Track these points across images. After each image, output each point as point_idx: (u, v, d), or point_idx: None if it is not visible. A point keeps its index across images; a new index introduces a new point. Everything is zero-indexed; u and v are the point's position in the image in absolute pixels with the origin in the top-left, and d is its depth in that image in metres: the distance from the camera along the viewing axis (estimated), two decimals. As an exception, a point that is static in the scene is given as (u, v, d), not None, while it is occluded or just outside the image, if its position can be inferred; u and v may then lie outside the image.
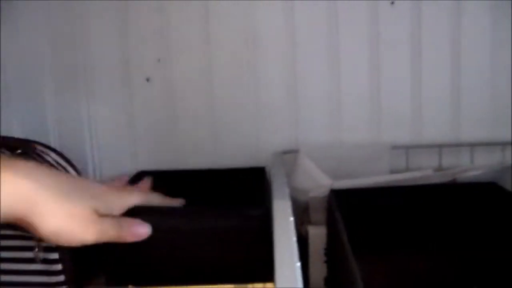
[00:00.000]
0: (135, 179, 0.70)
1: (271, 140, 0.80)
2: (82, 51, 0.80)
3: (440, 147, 0.79)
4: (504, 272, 0.55)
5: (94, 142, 0.82)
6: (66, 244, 0.45)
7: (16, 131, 0.80)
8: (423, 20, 0.78)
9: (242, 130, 0.80)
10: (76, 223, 0.44)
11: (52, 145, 0.71)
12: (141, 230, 0.49)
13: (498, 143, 0.78)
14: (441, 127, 0.80)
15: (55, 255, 0.56)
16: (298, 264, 0.41)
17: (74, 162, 0.65)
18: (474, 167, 0.75)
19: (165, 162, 0.80)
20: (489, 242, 0.62)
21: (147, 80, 0.80)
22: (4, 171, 0.39)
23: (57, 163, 0.64)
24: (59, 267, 0.57)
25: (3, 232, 0.57)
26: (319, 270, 0.66)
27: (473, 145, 0.79)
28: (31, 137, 0.67)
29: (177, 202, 0.63)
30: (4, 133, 0.72)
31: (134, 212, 0.54)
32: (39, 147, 0.65)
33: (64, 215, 0.43)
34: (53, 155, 0.65)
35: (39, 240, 0.55)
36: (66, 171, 0.63)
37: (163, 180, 0.69)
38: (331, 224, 0.64)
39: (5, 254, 0.57)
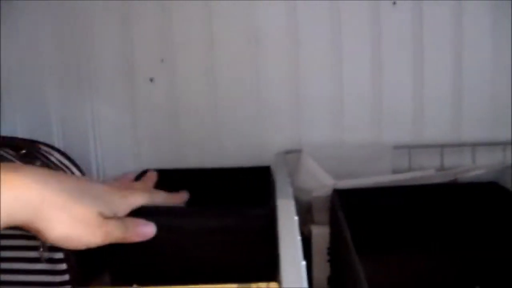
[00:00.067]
0: (140, 177, 0.70)
1: (273, 140, 0.80)
2: (86, 51, 0.80)
3: (441, 147, 0.79)
4: (506, 272, 0.55)
5: (97, 142, 0.82)
6: (73, 248, 0.45)
7: (20, 132, 0.80)
8: (425, 20, 0.78)
9: (244, 130, 0.80)
10: (82, 228, 0.44)
11: (56, 145, 0.72)
12: (147, 230, 0.50)
13: (500, 143, 0.78)
14: (442, 127, 0.80)
15: (60, 255, 0.57)
16: (304, 263, 0.41)
17: (78, 162, 0.66)
18: (476, 167, 0.75)
19: (168, 162, 0.80)
20: (490, 242, 0.62)
21: (151, 80, 0.80)
22: (12, 177, 0.39)
23: (61, 163, 0.65)
24: (63, 266, 0.57)
25: (8, 231, 0.57)
26: (322, 270, 0.67)
27: (474, 145, 0.79)
28: (35, 137, 0.67)
29: (180, 198, 0.63)
30: (8, 134, 0.72)
31: (139, 213, 0.54)
32: (43, 147, 0.65)
33: (71, 220, 0.43)
34: (57, 155, 0.65)
35: (44, 241, 0.56)
36: (70, 171, 0.64)
37: (167, 179, 0.70)
38: (334, 224, 0.64)
39: (9, 254, 0.58)
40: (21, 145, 0.62)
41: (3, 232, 0.58)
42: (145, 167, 0.75)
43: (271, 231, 0.55)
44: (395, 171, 0.78)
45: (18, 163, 0.57)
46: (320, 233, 0.68)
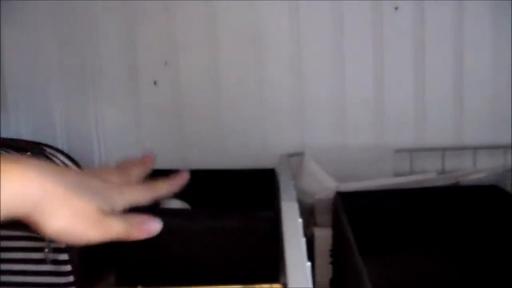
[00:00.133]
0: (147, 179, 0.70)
1: (276, 142, 0.80)
2: (90, 55, 0.81)
3: (443, 150, 0.79)
4: (506, 273, 0.55)
5: (101, 144, 0.82)
6: (72, 243, 0.44)
7: (24, 134, 0.81)
8: (426, 24, 0.79)
9: (248, 132, 0.81)
10: (81, 222, 0.43)
11: (60, 147, 0.72)
12: (151, 226, 0.48)
13: (500, 147, 0.79)
14: (444, 131, 0.81)
15: (65, 256, 0.57)
16: (309, 264, 0.42)
17: (82, 164, 0.66)
18: (477, 170, 0.76)
19: (171, 163, 0.80)
20: (491, 244, 0.63)
21: (155, 83, 0.81)
22: (12, 169, 0.39)
23: (65, 165, 0.65)
24: (68, 268, 0.57)
25: (13, 233, 0.58)
26: (324, 272, 0.67)
27: (475, 149, 0.79)
28: (40, 139, 0.68)
29: (181, 179, 0.58)
30: (13, 136, 0.72)
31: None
32: (48, 149, 0.65)
33: (70, 214, 0.42)
34: (61, 157, 0.65)
35: (49, 241, 0.56)
36: (74, 173, 0.64)
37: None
38: (336, 226, 0.65)
39: (15, 255, 0.58)
40: (25, 147, 0.62)
41: (8, 234, 0.58)
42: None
43: (275, 233, 0.56)
44: (397, 174, 0.78)
45: (17, 155, 0.57)
46: (323, 235, 0.68)
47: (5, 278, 0.58)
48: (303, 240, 0.46)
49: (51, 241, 0.56)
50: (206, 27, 0.80)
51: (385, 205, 0.68)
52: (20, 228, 0.57)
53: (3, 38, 0.80)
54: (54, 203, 0.41)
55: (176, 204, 0.68)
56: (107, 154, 0.82)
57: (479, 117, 0.80)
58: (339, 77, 0.80)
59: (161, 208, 0.58)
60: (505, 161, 0.78)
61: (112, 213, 0.46)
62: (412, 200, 0.69)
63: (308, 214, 0.71)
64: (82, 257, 0.58)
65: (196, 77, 0.81)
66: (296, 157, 0.77)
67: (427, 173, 0.76)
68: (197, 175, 0.76)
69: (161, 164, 0.80)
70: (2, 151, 0.59)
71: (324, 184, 0.71)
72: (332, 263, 0.67)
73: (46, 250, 0.56)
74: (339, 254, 0.64)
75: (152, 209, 0.56)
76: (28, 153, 0.62)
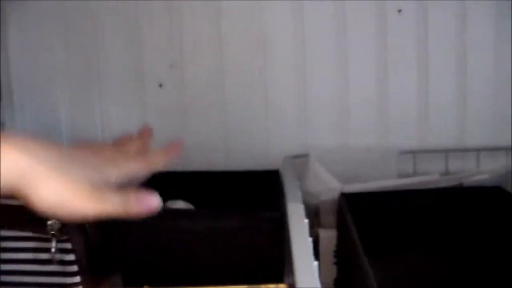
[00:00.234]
0: (151, 180, 0.70)
1: (280, 144, 0.81)
2: (96, 57, 0.81)
3: (446, 152, 0.80)
4: (509, 274, 0.56)
5: (107, 145, 0.82)
6: (66, 218, 0.43)
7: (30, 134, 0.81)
8: (429, 27, 0.79)
9: (252, 133, 0.81)
10: (73, 195, 0.42)
11: (66, 148, 0.72)
12: (150, 201, 0.46)
13: (503, 148, 0.79)
14: (447, 133, 0.81)
15: (71, 257, 0.57)
16: (316, 263, 0.42)
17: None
18: (480, 171, 0.76)
19: (176, 165, 0.80)
20: (493, 245, 0.63)
21: (160, 85, 0.81)
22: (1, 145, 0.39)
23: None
24: (75, 268, 0.58)
25: (20, 234, 0.58)
26: (329, 272, 0.67)
27: (478, 150, 0.80)
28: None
29: (174, 151, 0.57)
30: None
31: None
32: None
33: (60, 187, 0.41)
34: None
35: (56, 241, 0.56)
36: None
37: (176, 182, 0.70)
38: (341, 227, 0.65)
39: (22, 256, 0.58)
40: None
41: (15, 234, 0.59)
42: (153, 169, 0.76)
43: (280, 234, 0.56)
44: (400, 176, 0.79)
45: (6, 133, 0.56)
46: (327, 236, 0.68)
47: (13, 278, 0.58)
48: (310, 240, 0.46)
49: (58, 241, 0.56)
50: (211, 29, 0.80)
51: (389, 206, 0.68)
52: (27, 229, 0.58)
53: (9, 38, 0.80)
54: (41, 178, 0.40)
55: (181, 205, 0.69)
56: (112, 155, 0.83)
57: (482, 119, 0.80)
58: (342, 78, 0.81)
59: (166, 209, 0.58)
60: (507, 163, 0.79)
61: (107, 186, 0.44)
62: (416, 201, 0.70)
63: (312, 215, 0.71)
64: (88, 257, 0.58)
65: (201, 79, 0.81)
66: (300, 158, 0.78)
67: (430, 175, 0.76)
68: (201, 176, 0.77)
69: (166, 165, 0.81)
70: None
71: (328, 186, 0.72)
72: (336, 263, 0.68)
73: (53, 251, 0.56)
74: (344, 254, 0.65)
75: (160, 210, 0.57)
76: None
